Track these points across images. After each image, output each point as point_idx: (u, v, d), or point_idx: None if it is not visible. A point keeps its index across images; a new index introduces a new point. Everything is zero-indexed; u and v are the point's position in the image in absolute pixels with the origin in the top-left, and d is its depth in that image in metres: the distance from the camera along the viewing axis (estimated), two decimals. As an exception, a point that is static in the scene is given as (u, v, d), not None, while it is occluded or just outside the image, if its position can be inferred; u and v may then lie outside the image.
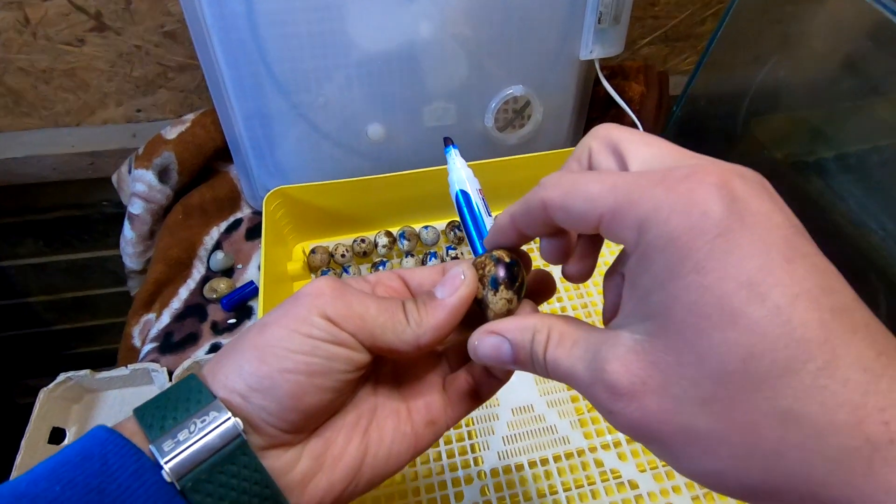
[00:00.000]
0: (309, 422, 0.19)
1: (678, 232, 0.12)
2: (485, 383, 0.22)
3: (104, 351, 0.90)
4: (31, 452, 0.35)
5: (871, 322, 0.12)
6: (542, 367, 0.17)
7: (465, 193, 0.23)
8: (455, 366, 0.23)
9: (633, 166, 0.15)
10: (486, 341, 0.18)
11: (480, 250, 0.21)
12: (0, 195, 0.57)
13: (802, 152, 0.53)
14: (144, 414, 0.18)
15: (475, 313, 0.19)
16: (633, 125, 0.51)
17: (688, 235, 0.12)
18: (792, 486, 0.11)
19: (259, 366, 0.18)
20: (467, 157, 0.45)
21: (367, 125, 0.45)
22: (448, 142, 0.24)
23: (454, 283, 0.19)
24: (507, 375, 0.22)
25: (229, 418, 0.17)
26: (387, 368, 0.22)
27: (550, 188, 0.16)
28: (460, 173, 0.23)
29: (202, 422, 0.17)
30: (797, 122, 0.53)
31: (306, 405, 0.18)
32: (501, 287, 0.18)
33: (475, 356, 0.19)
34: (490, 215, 0.22)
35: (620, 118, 0.54)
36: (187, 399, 0.18)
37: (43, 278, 0.71)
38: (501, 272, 0.19)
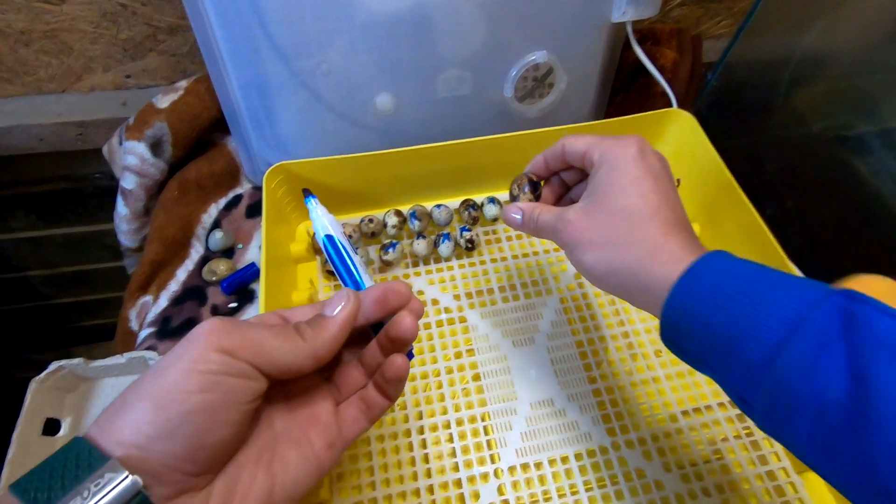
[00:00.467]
0: (215, 461, 0.19)
1: (619, 156, 0.25)
2: (375, 405, 0.25)
3: (106, 325, 0.89)
4: (25, 446, 0.33)
5: (682, 216, 0.25)
6: (534, 225, 0.28)
7: (330, 238, 0.26)
8: (346, 390, 0.25)
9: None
10: (510, 210, 0.30)
11: (351, 285, 0.26)
12: (-14, 167, 0.54)
13: (844, 126, 0.49)
14: (26, 488, 0.17)
15: (355, 337, 0.25)
16: (664, 96, 0.47)
17: (622, 157, 0.25)
18: (627, 268, 0.24)
19: (158, 413, 0.18)
20: (483, 128, 0.42)
21: (374, 95, 0.41)
22: (307, 193, 0.27)
23: (340, 301, 0.22)
24: (395, 396, 0.25)
25: (126, 476, 0.17)
26: (280, 401, 0.23)
27: (565, 139, 0.28)
28: (323, 220, 0.26)
29: (96, 486, 0.16)
30: (840, 94, 0.49)
31: (212, 443, 0.19)
32: (528, 192, 0.30)
33: (504, 218, 0.30)
34: (356, 252, 0.27)
35: (649, 88, 0.50)
36: (76, 465, 0.17)
37: (39, 253, 0.69)
38: (529, 185, 0.31)
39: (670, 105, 0.45)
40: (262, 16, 0.36)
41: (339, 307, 0.22)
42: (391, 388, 0.24)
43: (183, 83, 0.47)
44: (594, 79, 0.45)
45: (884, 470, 0.15)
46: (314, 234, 0.28)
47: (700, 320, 0.21)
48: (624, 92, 0.51)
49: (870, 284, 0.20)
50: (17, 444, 0.33)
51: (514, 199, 0.31)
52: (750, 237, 0.39)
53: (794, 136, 0.51)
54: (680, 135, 0.44)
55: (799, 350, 0.18)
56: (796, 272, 0.37)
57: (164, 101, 0.46)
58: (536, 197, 0.30)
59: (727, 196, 0.40)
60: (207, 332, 0.19)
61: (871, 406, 0.16)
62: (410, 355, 0.26)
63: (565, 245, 0.26)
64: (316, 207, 0.27)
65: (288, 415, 0.23)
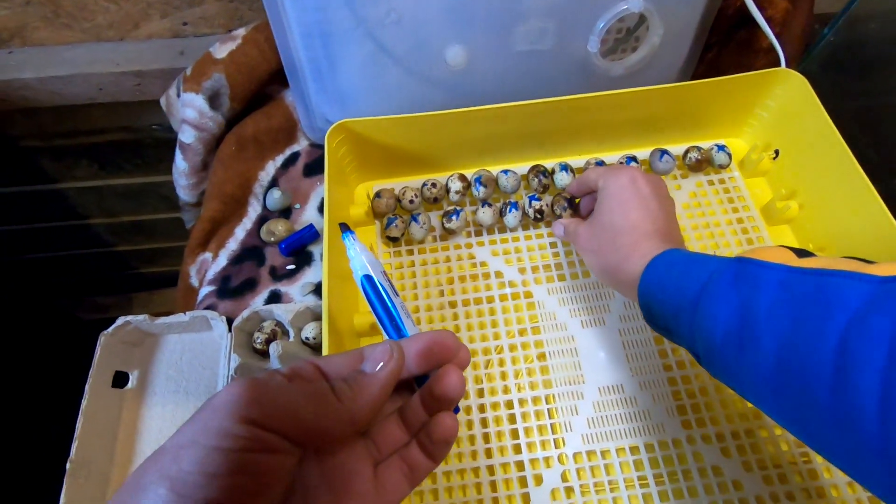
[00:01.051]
0: None
1: (609, 187, 0.33)
2: (419, 468, 0.21)
3: (165, 273, 0.91)
4: (96, 397, 0.34)
5: (670, 229, 0.32)
6: (573, 236, 0.36)
7: (369, 278, 0.24)
8: (385, 449, 0.22)
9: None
10: (556, 225, 0.38)
11: (391, 332, 0.24)
12: (49, 116, 0.55)
13: None
14: None
15: (399, 387, 0.22)
16: (768, 53, 0.41)
17: (616, 186, 0.33)
18: (611, 267, 0.31)
19: (178, 502, 0.15)
20: (559, 89, 0.38)
21: (445, 48, 0.37)
22: (345, 228, 0.25)
23: (384, 356, 0.20)
24: (441, 457, 0.22)
25: None
26: (312, 466, 0.19)
27: (584, 174, 0.37)
28: (361, 259, 0.25)
29: None
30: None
31: None
32: (567, 208, 0.39)
33: (554, 230, 0.38)
34: (397, 295, 0.24)
35: (751, 43, 0.44)
36: None
37: (101, 201, 0.71)
38: (567, 202, 0.39)
39: (776, 63, 0.40)
40: (329, -44, 0.33)
41: (381, 364, 0.20)
42: (438, 450, 0.21)
43: (241, 31, 0.45)
44: (691, 31, 0.40)
45: (764, 367, 0.22)
46: (352, 273, 0.25)
47: (657, 296, 0.27)
48: (718, 47, 0.45)
49: (765, 252, 0.24)
50: (90, 395, 0.34)
51: (557, 215, 0.39)
52: (864, 214, 0.34)
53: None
54: (786, 98, 0.39)
55: (706, 299, 0.24)
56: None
57: (221, 51, 0.44)
58: (574, 210, 0.39)
59: (839, 168, 0.36)
60: (231, 401, 0.16)
61: (752, 325, 0.22)
62: (456, 409, 0.22)
63: (578, 251, 0.36)
64: (354, 244, 0.25)
65: (322, 485, 0.19)
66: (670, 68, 0.42)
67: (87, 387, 0.34)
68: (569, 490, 0.32)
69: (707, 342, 0.24)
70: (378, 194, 0.40)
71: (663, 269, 0.28)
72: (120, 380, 0.36)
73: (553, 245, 0.40)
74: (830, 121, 0.36)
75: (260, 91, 0.46)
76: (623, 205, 0.32)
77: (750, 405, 0.34)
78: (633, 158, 0.42)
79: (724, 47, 0.45)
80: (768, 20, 0.40)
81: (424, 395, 0.22)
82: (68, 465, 0.32)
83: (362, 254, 0.24)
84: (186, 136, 0.45)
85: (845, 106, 0.42)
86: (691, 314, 0.25)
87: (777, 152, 0.41)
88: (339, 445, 0.20)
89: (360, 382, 0.19)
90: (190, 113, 0.44)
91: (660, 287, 0.27)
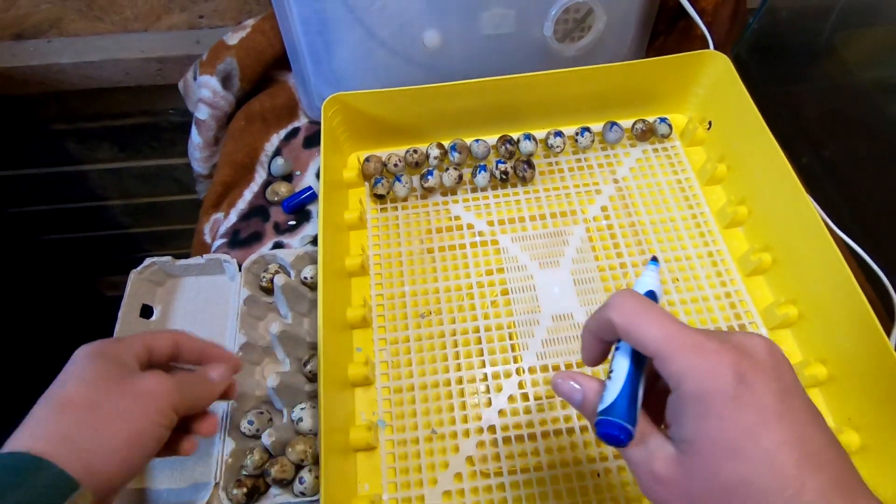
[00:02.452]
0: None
1: (707, 390, 0.18)
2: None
3: (175, 255, 0.98)
4: (127, 323, 0.41)
5: (836, 459, 0.18)
6: (642, 467, 0.20)
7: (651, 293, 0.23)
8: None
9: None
10: (568, 382, 0.23)
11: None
12: (79, 99, 0.61)
13: (889, 74, 0.49)
14: None
15: None
16: (704, 39, 0.48)
17: (713, 393, 0.18)
18: None
19: (129, 452, 0.24)
20: (525, 67, 0.44)
21: (422, 31, 0.44)
22: (655, 259, 0.25)
23: (223, 373, 0.31)
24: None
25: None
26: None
27: (617, 313, 0.20)
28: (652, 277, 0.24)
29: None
30: (891, 40, 0.49)
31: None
32: (529, 169, 0.34)
33: (559, 388, 0.23)
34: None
35: (689, 31, 0.51)
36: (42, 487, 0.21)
37: (119, 183, 0.77)
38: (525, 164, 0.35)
39: (708, 48, 0.46)
40: (325, -46, 0.40)
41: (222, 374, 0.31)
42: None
43: (250, 21, 0.52)
44: (632, 20, 0.47)
45: None
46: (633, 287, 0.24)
47: None
48: (665, 35, 0.52)
49: None
50: (122, 322, 0.40)
51: (520, 177, 0.35)
52: (779, 184, 0.40)
53: (839, 84, 0.51)
54: (714, 77, 0.46)
55: None
56: (821, 218, 0.38)
57: (233, 38, 0.51)
58: (531, 169, 0.32)
59: (758, 141, 0.42)
60: (167, 392, 0.26)
61: None
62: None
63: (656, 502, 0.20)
64: (653, 273, 0.24)
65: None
66: (618, 51, 0.48)
67: (119, 314, 0.41)
68: (524, 395, 0.38)
69: None
70: (367, 159, 0.47)
71: None
72: (146, 312, 0.43)
73: (517, 203, 0.47)
74: (749, 97, 0.43)
75: (266, 73, 0.53)
76: (753, 436, 0.17)
77: (678, 329, 0.40)
78: (588, 129, 0.48)
79: (668, 35, 0.52)
80: (700, 11, 0.47)
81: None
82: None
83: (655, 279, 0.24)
84: (202, 113, 0.52)
85: (771, 87, 0.48)
86: None
87: (710, 124, 0.48)
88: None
89: (211, 389, 0.30)
90: (205, 93, 0.51)
91: None
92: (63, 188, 0.77)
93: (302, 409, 0.37)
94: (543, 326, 0.41)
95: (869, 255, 0.42)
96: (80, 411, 0.24)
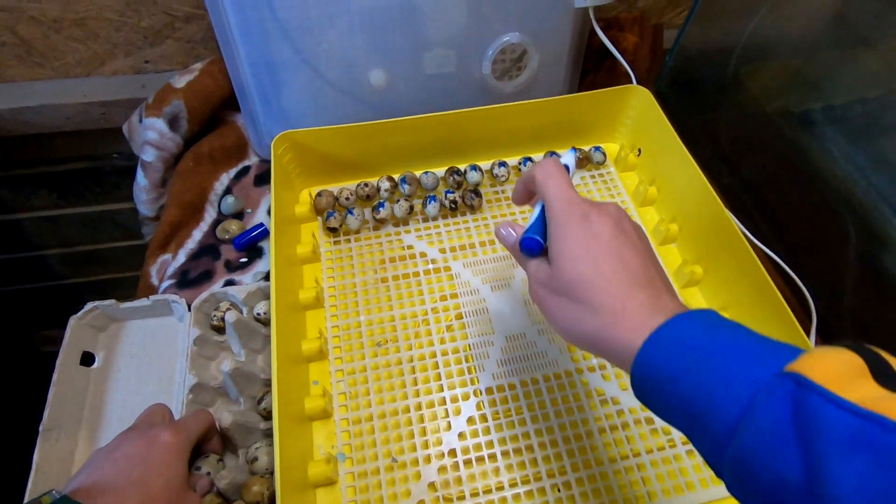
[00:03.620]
0: None
1: (565, 220, 0.26)
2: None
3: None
4: (66, 373, 0.39)
5: (655, 283, 0.25)
6: (519, 260, 0.30)
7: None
8: None
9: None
10: (504, 228, 0.31)
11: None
12: (15, 146, 0.59)
13: (791, 103, 0.55)
14: None
15: None
16: (628, 76, 0.53)
17: (567, 222, 0.26)
18: (591, 335, 0.24)
19: None
20: (467, 103, 0.47)
21: (368, 71, 0.46)
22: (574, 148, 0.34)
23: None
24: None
25: None
26: None
27: (539, 171, 0.29)
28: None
29: None
30: (786, 74, 0.55)
31: None
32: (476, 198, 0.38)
33: (497, 232, 0.32)
34: None
35: (615, 69, 0.55)
36: None
37: (57, 231, 0.74)
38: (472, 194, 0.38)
39: (631, 83, 0.51)
40: (271, 1, 0.41)
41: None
42: None
43: (198, 65, 0.53)
44: (564, 59, 0.51)
45: None
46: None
47: (664, 392, 0.21)
48: (594, 73, 0.57)
49: (825, 363, 0.18)
50: (60, 371, 0.38)
51: (468, 205, 0.40)
52: (701, 202, 0.44)
53: (746, 112, 0.57)
54: (639, 108, 0.50)
55: (754, 432, 0.18)
56: (741, 232, 0.42)
57: (180, 82, 0.52)
58: (479, 197, 0.39)
59: (682, 165, 0.46)
60: (181, 447, 0.32)
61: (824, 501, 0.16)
62: None
63: (535, 298, 0.27)
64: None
65: None
66: (552, 88, 0.52)
67: (57, 363, 0.39)
68: (482, 417, 0.38)
69: (750, 480, 0.18)
70: (319, 193, 0.48)
71: (672, 355, 0.21)
72: (87, 360, 0.41)
73: (467, 230, 0.48)
74: (671, 126, 0.47)
75: (214, 115, 0.54)
76: (586, 250, 0.25)
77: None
78: (530, 159, 0.51)
79: (597, 73, 0.57)
80: (622, 51, 0.52)
81: None
82: (41, 429, 0.36)
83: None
84: (148, 155, 0.52)
85: (690, 117, 0.53)
86: (726, 440, 0.19)
87: (639, 151, 0.52)
88: None
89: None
90: (151, 135, 0.51)
91: (669, 382, 0.21)
92: (-6, 238, 0.73)
93: (257, 447, 0.36)
94: (498, 347, 0.42)
95: (786, 263, 0.46)
96: None
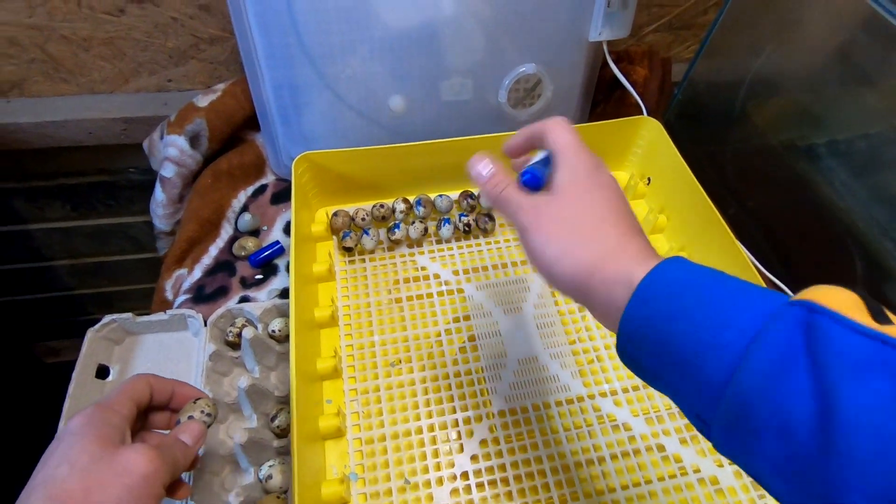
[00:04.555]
0: None
1: (576, 167, 0.26)
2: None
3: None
4: (82, 385, 0.39)
5: (639, 230, 0.25)
6: (497, 192, 0.28)
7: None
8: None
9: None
10: (479, 162, 0.29)
11: None
12: (34, 158, 0.60)
13: (795, 137, 0.56)
14: None
15: None
16: (637, 106, 0.54)
17: (579, 169, 0.26)
18: (590, 261, 0.23)
19: None
20: (482, 130, 0.48)
21: (388, 97, 0.48)
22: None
23: (195, 436, 0.30)
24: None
25: None
26: None
27: (553, 122, 0.28)
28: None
29: None
30: (791, 109, 0.57)
31: None
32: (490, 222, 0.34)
33: (470, 166, 0.29)
34: None
35: (624, 100, 0.57)
36: None
37: (67, 242, 0.75)
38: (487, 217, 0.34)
39: (642, 115, 0.52)
40: (297, 27, 0.43)
41: (193, 439, 0.30)
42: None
43: (221, 86, 0.54)
44: (576, 90, 0.52)
45: (852, 498, 0.14)
46: None
47: (658, 332, 0.20)
48: (604, 104, 0.59)
49: (830, 295, 0.17)
50: (76, 384, 0.39)
51: (482, 229, 0.36)
52: (710, 232, 0.45)
53: (753, 144, 0.59)
54: (649, 139, 0.52)
55: (760, 365, 0.17)
56: (750, 262, 0.43)
57: (203, 101, 0.53)
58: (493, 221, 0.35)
59: (691, 194, 0.47)
60: (156, 471, 0.25)
61: (838, 430, 0.15)
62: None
63: (525, 229, 0.26)
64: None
65: None
66: (565, 116, 0.54)
67: (73, 375, 0.39)
68: (495, 440, 0.39)
69: (748, 429, 0.17)
70: (336, 213, 0.49)
71: (670, 294, 0.20)
72: (101, 373, 0.41)
73: (480, 253, 0.49)
74: (680, 157, 0.49)
75: (234, 134, 0.55)
76: (600, 190, 0.25)
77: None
78: (542, 185, 0.52)
79: (607, 103, 0.58)
80: (633, 83, 0.53)
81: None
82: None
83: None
84: (167, 171, 0.53)
85: (697, 148, 0.55)
86: (725, 381, 0.18)
87: (649, 180, 0.53)
88: None
89: (187, 452, 0.29)
90: (172, 151, 0.52)
91: (665, 321, 0.20)
92: (4, 248, 0.73)
93: (270, 465, 0.36)
94: (510, 370, 0.42)
95: (793, 293, 0.47)
96: None
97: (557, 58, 0.48)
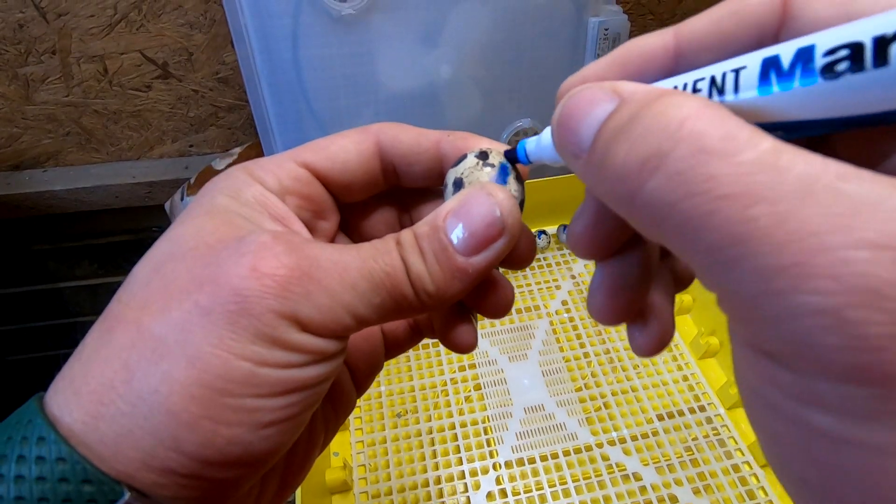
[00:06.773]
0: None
1: None
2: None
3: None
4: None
5: None
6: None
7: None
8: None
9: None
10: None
11: None
12: (66, 222, 0.64)
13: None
14: None
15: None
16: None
17: None
18: None
19: (197, 423, 0.11)
20: (482, 181, 0.50)
21: (392, 155, 0.50)
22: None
23: (487, 230, 0.13)
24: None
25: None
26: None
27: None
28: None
29: None
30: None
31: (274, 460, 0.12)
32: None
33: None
34: None
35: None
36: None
37: (95, 300, 0.78)
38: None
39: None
40: (307, 94, 0.46)
41: (483, 243, 0.14)
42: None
43: (237, 150, 0.58)
44: (573, 140, 0.54)
45: None
46: None
47: None
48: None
49: None
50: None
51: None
52: None
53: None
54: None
55: None
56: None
57: (221, 164, 0.56)
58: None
59: None
60: (270, 285, 0.11)
61: None
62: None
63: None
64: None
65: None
66: (561, 169, 0.56)
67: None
68: (502, 492, 0.38)
69: None
70: (343, 266, 0.51)
71: None
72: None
73: (485, 300, 0.50)
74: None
75: (249, 193, 0.58)
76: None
77: (646, 415, 0.42)
78: (543, 232, 0.54)
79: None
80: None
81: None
82: None
83: None
84: (186, 230, 0.56)
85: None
86: None
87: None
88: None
89: (444, 267, 0.13)
90: (191, 211, 0.55)
91: None
92: (36, 306, 0.77)
93: (277, 521, 0.36)
94: (517, 419, 0.42)
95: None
96: (141, 348, 0.12)
97: (553, 111, 0.51)
